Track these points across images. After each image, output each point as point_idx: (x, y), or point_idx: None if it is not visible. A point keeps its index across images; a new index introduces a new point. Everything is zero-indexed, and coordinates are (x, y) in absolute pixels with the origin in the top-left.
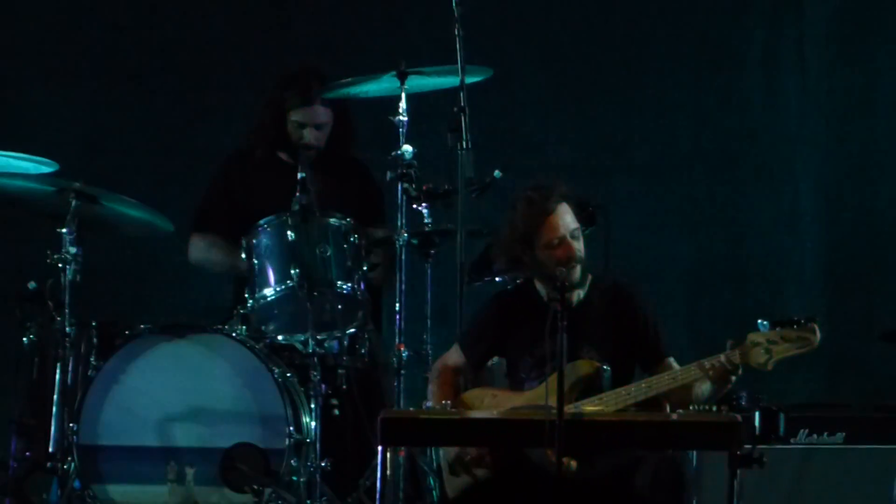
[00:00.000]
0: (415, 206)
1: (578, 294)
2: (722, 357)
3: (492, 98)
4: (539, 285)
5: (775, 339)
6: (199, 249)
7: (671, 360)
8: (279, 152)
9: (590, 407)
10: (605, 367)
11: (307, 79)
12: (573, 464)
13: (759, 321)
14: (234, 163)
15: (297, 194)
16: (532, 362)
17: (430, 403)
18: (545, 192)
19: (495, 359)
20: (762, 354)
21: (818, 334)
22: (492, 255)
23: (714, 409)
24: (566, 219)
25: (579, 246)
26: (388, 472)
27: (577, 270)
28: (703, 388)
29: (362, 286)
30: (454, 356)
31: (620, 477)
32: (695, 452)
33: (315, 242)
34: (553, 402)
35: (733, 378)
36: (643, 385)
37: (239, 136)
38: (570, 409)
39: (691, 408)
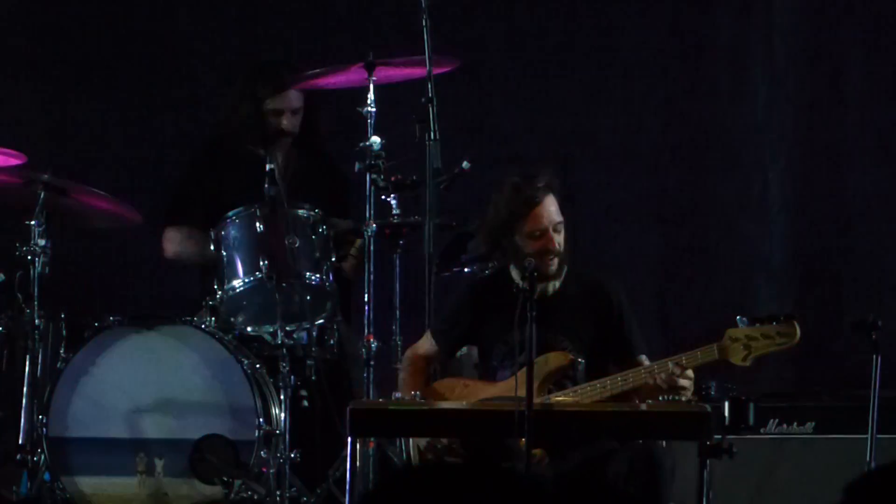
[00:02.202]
0: (383, 197)
1: (554, 284)
2: (699, 353)
3: (459, 88)
4: (514, 273)
5: (755, 336)
6: (175, 242)
7: (643, 357)
8: (250, 143)
9: (563, 399)
10: (579, 359)
11: (279, 67)
12: (537, 453)
13: (738, 317)
14: (204, 154)
15: (266, 185)
16: (504, 350)
17: (399, 394)
18: (533, 180)
19: (464, 348)
20: (741, 351)
21: (798, 330)
22: (466, 244)
23: (683, 399)
24: (551, 210)
25: (560, 239)
26: (358, 463)
27: (555, 263)
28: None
29: (331, 277)
30: (426, 344)
31: (592, 469)
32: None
33: (283, 234)
34: (524, 392)
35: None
36: (618, 378)
37: (208, 128)
38: (541, 400)
39: (661, 398)
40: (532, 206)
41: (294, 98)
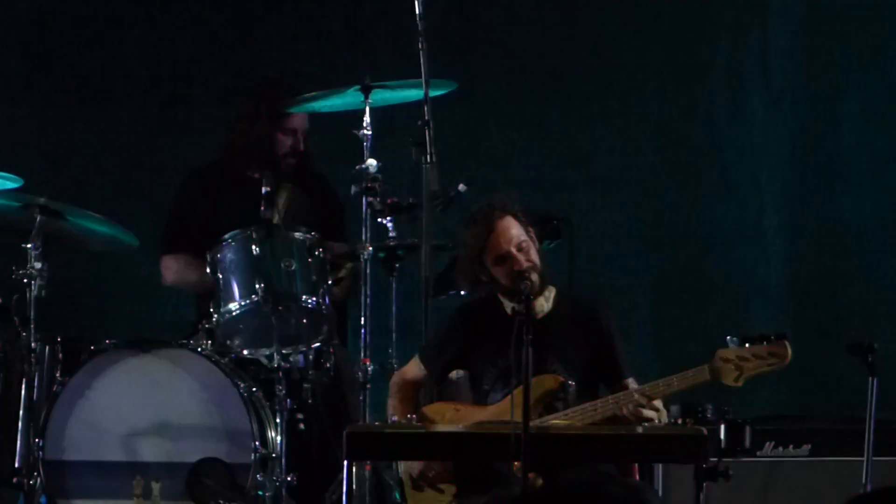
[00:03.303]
0: (379, 219)
1: (543, 306)
2: (689, 374)
3: (456, 111)
4: (502, 297)
5: (746, 356)
6: (173, 271)
7: (631, 380)
8: (252, 166)
9: (555, 422)
10: (570, 381)
11: (281, 89)
12: (539, 481)
13: (728, 337)
14: (196, 180)
15: (262, 208)
16: (496, 374)
17: (395, 418)
18: (487, 209)
19: (460, 372)
20: (732, 371)
21: (789, 350)
22: (454, 279)
23: (680, 422)
24: (510, 232)
25: (529, 256)
26: (354, 487)
27: (535, 276)
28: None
29: (327, 300)
30: (413, 369)
31: (587, 494)
32: (661, 467)
33: (280, 257)
34: (518, 416)
35: None
36: (610, 401)
37: (207, 151)
38: (535, 423)
39: (656, 421)
40: (490, 233)
41: (304, 119)
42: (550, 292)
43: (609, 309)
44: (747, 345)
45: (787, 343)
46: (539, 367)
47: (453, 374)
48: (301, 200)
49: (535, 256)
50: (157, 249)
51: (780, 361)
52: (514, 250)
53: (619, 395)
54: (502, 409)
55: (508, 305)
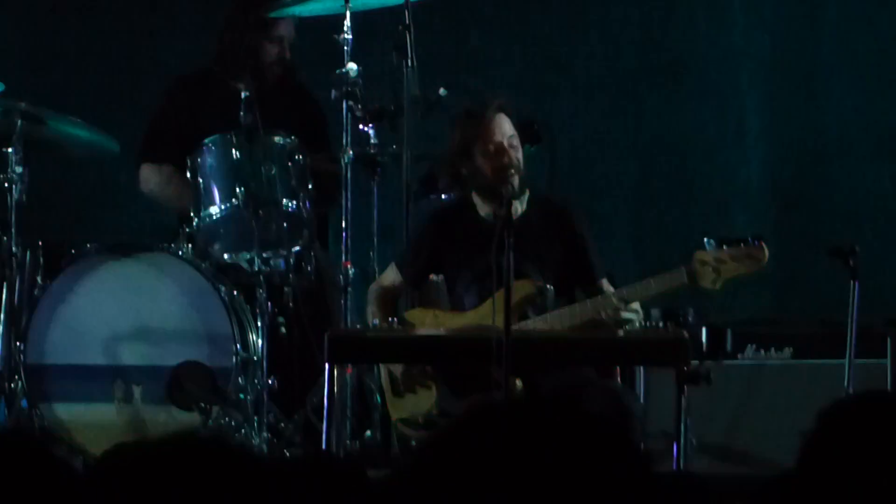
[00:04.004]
0: (360, 126)
1: (517, 209)
2: (667, 276)
3: (436, 16)
4: (477, 200)
5: (723, 259)
6: (153, 183)
7: (604, 281)
8: (235, 75)
9: (535, 327)
10: (548, 286)
11: None
12: (518, 384)
13: (706, 239)
14: (180, 89)
15: (242, 113)
16: (470, 277)
17: (376, 321)
18: (482, 103)
19: (436, 277)
20: (710, 274)
21: (766, 252)
22: (436, 174)
23: (660, 325)
24: (504, 126)
25: (518, 155)
26: (336, 390)
27: (516, 180)
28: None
29: (308, 205)
30: (390, 276)
31: (567, 398)
32: (642, 371)
33: (260, 161)
34: (499, 321)
35: None
36: (588, 304)
37: (187, 56)
38: (515, 328)
39: (636, 324)
40: (484, 125)
41: (291, 27)
42: (525, 195)
43: (581, 209)
44: (725, 247)
45: (763, 245)
46: (515, 270)
47: (433, 276)
48: (279, 106)
49: (521, 158)
50: (136, 158)
51: (758, 263)
52: (505, 143)
53: (596, 298)
54: (483, 314)
55: (483, 209)
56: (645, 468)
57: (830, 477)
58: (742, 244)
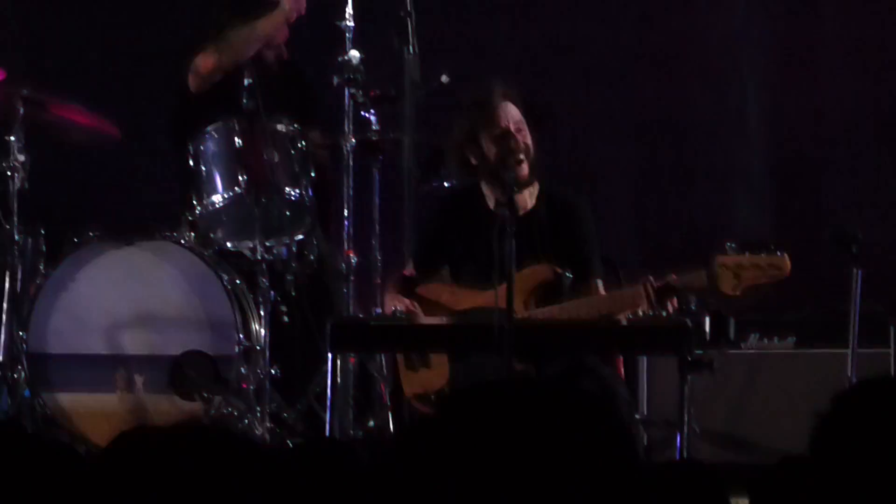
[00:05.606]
0: (362, 112)
1: (527, 203)
2: (687, 277)
3: (437, 1)
4: (485, 189)
5: (744, 265)
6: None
7: (599, 282)
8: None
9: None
10: (566, 273)
11: None
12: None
13: (728, 244)
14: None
15: (244, 100)
16: (475, 268)
17: (379, 310)
18: (488, 89)
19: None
20: (731, 279)
21: (788, 264)
22: (443, 161)
23: (663, 313)
24: (511, 111)
25: (527, 140)
26: (338, 379)
27: (525, 168)
28: None
29: (310, 192)
30: (410, 269)
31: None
32: (645, 360)
33: (262, 148)
34: (516, 304)
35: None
36: (605, 300)
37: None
38: (527, 314)
39: (640, 313)
40: (491, 110)
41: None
42: (535, 188)
43: (588, 207)
44: (747, 253)
45: (786, 256)
46: (517, 264)
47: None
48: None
49: (530, 141)
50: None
51: (779, 274)
52: (513, 128)
53: (626, 291)
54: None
55: (491, 198)
56: (633, 450)
57: (846, 461)
58: (764, 252)
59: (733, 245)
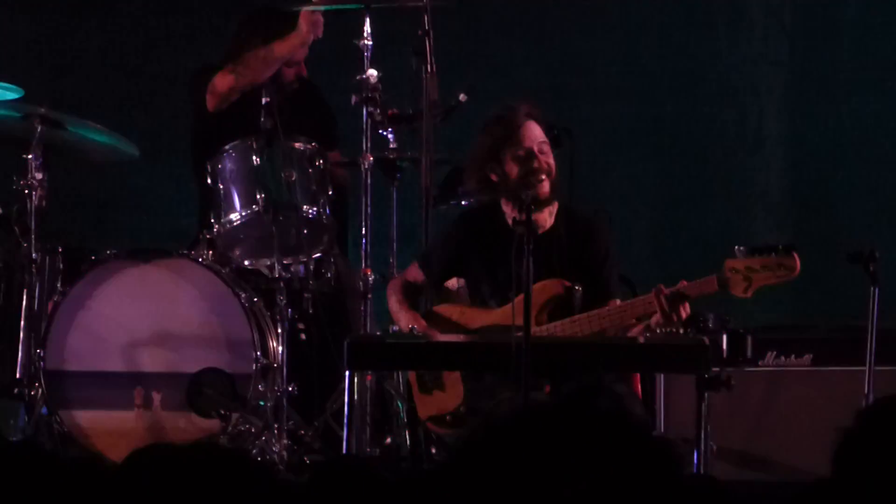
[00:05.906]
0: (380, 130)
1: (546, 221)
2: (698, 283)
3: (455, 20)
4: (506, 207)
5: (754, 267)
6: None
7: (617, 301)
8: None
9: (561, 329)
10: (576, 286)
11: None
12: (546, 387)
13: (737, 248)
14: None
15: (262, 118)
16: (494, 285)
17: (396, 328)
18: (514, 108)
19: (461, 281)
20: (741, 282)
21: (798, 263)
22: (462, 177)
23: (681, 331)
24: (535, 132)
25: (549, 160)
26: (356, 397)
27: (547, 185)
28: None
29: (327, 210)
30: (413, 272)
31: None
32: (662, 377)
33: (280, 167)
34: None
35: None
36: (616, 309)
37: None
38: (543, 330)
39: (658, 330)
40: (515, 129)
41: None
42: (554, 207)
43: (608, 226)
44: (756, 255)
45: (795, 255)
46: (537, 282)
47: (453, 283)
48: (295, 108)
49: (552, 161)
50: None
51: (789, 273)
52: (536, 149)
53: (638, 299)
54: (508, 313)
55: (510, 216)
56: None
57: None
58: (773, 253)
59: (742, 248)
